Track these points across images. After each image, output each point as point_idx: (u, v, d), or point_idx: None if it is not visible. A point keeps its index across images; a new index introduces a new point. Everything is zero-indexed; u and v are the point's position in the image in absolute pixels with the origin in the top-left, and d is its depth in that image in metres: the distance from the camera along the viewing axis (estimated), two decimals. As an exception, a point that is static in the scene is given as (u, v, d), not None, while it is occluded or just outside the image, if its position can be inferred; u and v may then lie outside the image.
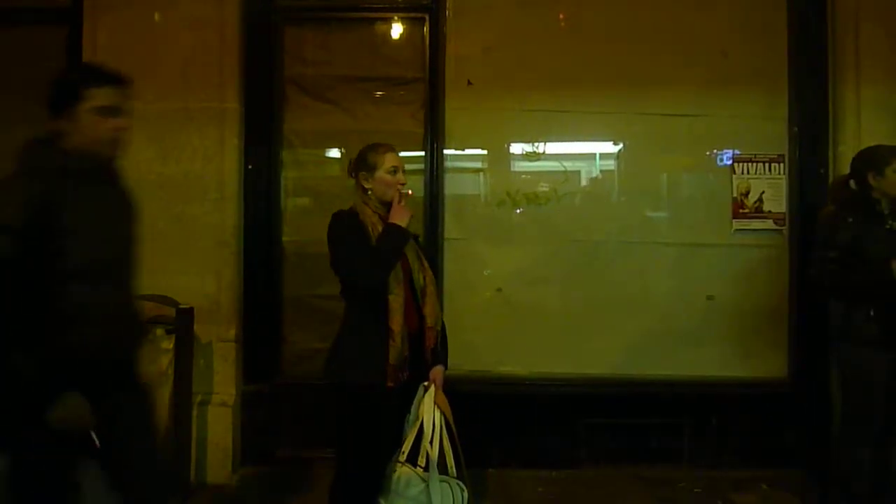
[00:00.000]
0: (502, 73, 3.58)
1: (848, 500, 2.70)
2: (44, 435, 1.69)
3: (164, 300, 3.18)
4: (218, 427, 3.38)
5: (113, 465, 1.88)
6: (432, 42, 3.59)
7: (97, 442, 1.79)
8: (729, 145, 3.58)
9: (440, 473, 2.29)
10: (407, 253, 2.33)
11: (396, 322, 2.20)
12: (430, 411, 2.32)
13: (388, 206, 2.32)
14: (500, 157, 3.66)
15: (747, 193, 3.56)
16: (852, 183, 2.77)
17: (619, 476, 3.38)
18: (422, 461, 2.29)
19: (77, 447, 1.77)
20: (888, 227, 2.63)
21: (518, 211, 3.62)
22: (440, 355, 2.42)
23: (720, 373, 3.53)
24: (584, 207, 3.65)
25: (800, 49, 3.55)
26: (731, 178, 3.57)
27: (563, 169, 3.63)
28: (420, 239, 2.63)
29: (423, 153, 3.58)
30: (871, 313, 2.61)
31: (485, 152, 3.70)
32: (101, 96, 1.85)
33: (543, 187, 3.61)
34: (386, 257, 2.22)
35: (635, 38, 3.56)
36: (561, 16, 3.61)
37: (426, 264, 2.41)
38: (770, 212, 3.55)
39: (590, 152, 3.69)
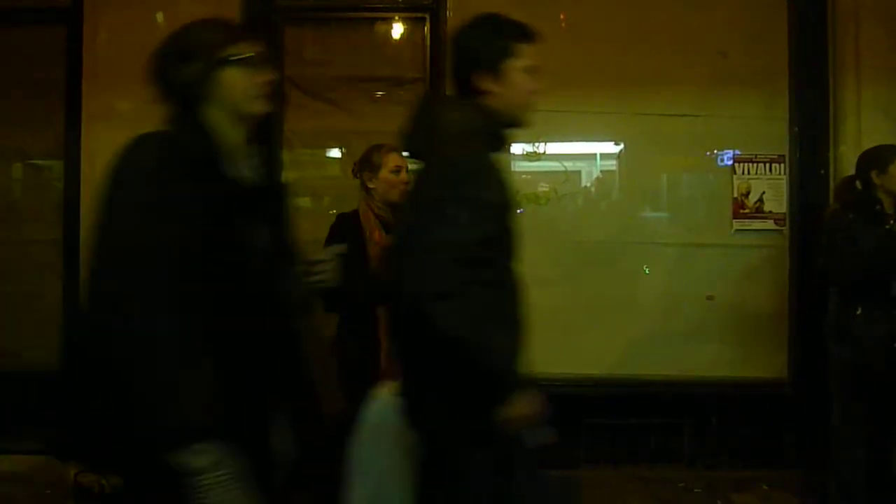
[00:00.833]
0: (502, 73, 3.57)
1: (847, 500, 2.70)
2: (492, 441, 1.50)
3: (165, 300, 3.18)
4: (218, 427, 3.37)
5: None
6: (432, 42, 3.58)
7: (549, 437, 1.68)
8: (729, 145, 3.58)
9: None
10: None
11: (384, 332, 2.19)
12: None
13: (392, 205, 2.34)
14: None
15: (748, 194, 3.56)
16: (858, 183, 2.77)
17: (618, 476, 3.38)
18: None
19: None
20: (888, 227, 2.63)
21: (518, 211, 3.60)
22: None
23: (720, 373, 3.52)
24: (585, 208, 3.65)
25: (800, 49, 3.54)
26: (732, 178, 3.57)
27: (563, 169, 3.63)
28: None
29: (423, 153, 3.58)
30: (859, 312, 2.62)
31: (485, 152, 3.69)
32: (529, 54, 1.60)
33: (543, 187, 3.61)
34: None
35: (635, 38, 3.55)
36: (561, 16, 3.61)
37: None
38: (770, 212, 3.55)
39: (590, 152, 3.69)
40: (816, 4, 3.53)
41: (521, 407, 1.50)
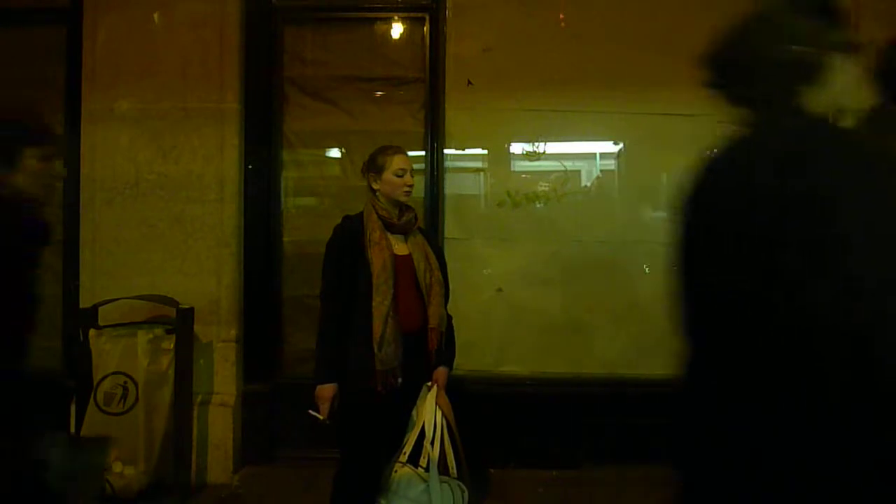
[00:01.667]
0: (502, 73, 3.58)
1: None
2: None
3: (165, 300, 3.19)
4: (218, 427, 3.38)
5: None
6: (432, 42, 3.59)
7: None
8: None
9: (441, 474, 2.30)
10: (413, 252, 2.36)
11: (378, 328, 2.22)
12: (431, 412, 2.33)
13: (398, 206, 2.38)
14: (500, 157, 3.66)
15: (747, 193, 3.55)
16: None
17: (619, 476, 3.38)
18: (423, 462, 2.29)
19: None
20: None
21: (518, 211, 3.62)
22: (444, 356, 2.44)
23: (720, 372, 3.52)
24: (585, 207, 3.65)
25: (800, 48, 3.54)
26: (732, 177, 3.56)
27: (563, 169, 3.63)
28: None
29: (423, 153, 3.58)
30: None
31: (485, 152, 3.70)
32: None
33: (543, 187, 3.61)
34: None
35: (635, 37, 3.56)
36: (561, 16, 3.61)
37: (434, 264, 2.43)
38: (770, 211, 3.55)
39: (590, 152, 3.69)
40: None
41: None
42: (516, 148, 3.64)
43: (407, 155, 2.43)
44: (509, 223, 3.62)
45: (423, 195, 3.55)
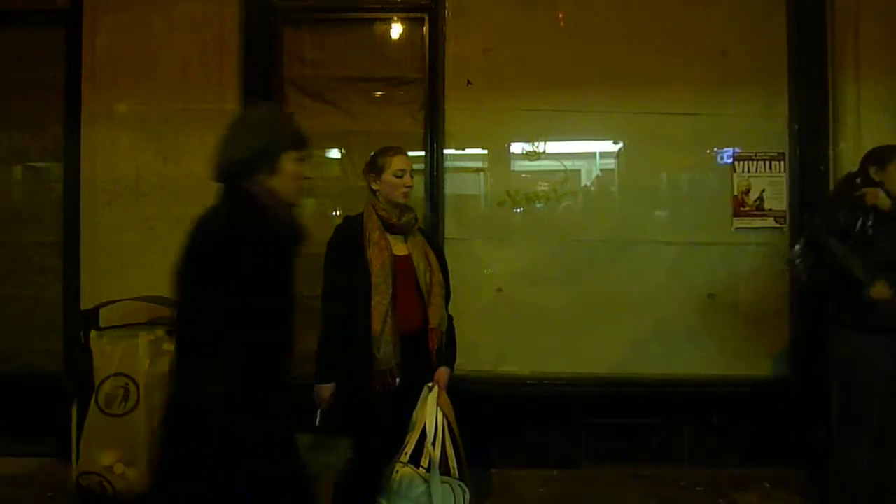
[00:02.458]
0: (502, 72, 3.58)
1: (846, 499, 2.69)
2: None
3: (165, 301, 3.18)
4: (219, 428, 3.37)
5: None
6: (432, 42, 3.59)
7: None
8: (729, 143, 3.58)
9: (442, 474, 2.30)
10: (412, 253, 2.37)
11: (376, 328, 2.23)
12: (432, 412, 2.33)
13: (397, 206, 2.39)
14: (500, 157, 3.66)
15: (748, 191, 3.56)
16: (858, 179, 2.77)
17: (620, 475, 3.38)
18: (424, 462, 2.29)
19: None
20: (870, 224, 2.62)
21: (518, 210, 3.62)
22: (445, 356, 2.44)
23: (721, 371, 3.52)
24: (585, 207, 3.65)
25: (799, 47, 3.55)
26: (732, 176, 3.57)
27: (563, 168, 3.63)
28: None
29: (423, 153, 3.58)
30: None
31: (485, 152, 3.70)
32: None
33: (543, 187, 3.61)
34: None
35: (635, 37, 3.56)
36: (560, 16, 3.61)
37: (435, 264, 2.44)
38: (771, 210, 3.55)
39: (590, 151, 3.69)
40: (816, 2, 3.53)
41: None
42: (516, 148, 3.64)
43: (407, 156, 2.44)
44: (509, 223, 3.62)
45: (423, 195, 3.54)
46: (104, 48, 3.47)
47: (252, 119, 1.84)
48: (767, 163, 3.56)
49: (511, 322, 3.59)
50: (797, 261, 2.75)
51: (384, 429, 2.32)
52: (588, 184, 3.68)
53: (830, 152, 3.49)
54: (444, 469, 2.32)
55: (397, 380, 2.28)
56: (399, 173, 2.37)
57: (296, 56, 3.66)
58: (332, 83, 3.64)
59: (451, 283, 2.55)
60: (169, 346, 3.08)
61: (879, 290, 2.56)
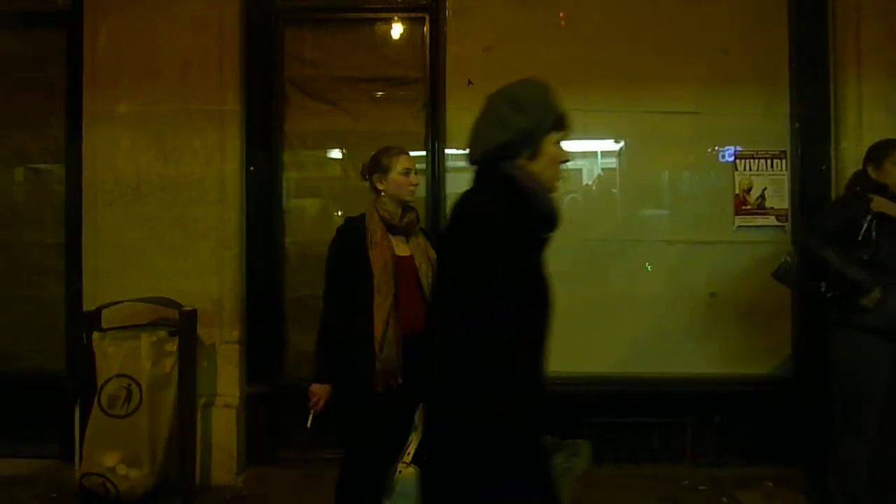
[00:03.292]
0: (502, 72, 3.52)
1: (848, 498, 2.69)
2: None
3: (167, 302, 3.19)
4: (222, 429, 3.38)
5: None
6: (432, 42, 3.59)
7: None
8: (731, 142, 3.57)
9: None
10: (414, 253, 2.38)
11: (378, 328, 2.24)
12: (435, 411, 2.34)
13: (401, 206, 2.41)
14: (501, 157, 3.65)
15: (749, 190, 3.56)
16: (858, 188, 2.79)
17: (621, 475, 3.38)
18: (426, 462, 2.30)
19: None
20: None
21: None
22: None
23: (723, 370, 3.52)
24: (586, 206, 3.65)
25: (801, 45, 3.54)
26: (734, 174, 3.56)
27: (564, 168, 3.62)
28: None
29: (424, 153, 3.58)
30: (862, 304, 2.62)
31: (486, 152, 3.69)
32: None
33: (544, 186, 3.60)
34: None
35: (636, 36, 3.55)
36: (561, 15, 3.60)
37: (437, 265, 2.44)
38: (772, 208, 3.55)
39: (591, 151, 3.68)
40: (816, 1, 3.53)
41: None
42: (517, 147, 3.63)
43: (410, 155, 2.47)
44: (511, 222, 3.61)
45: (424, 195, 3.54)
46: (105, 49, 3.47)
47: (515, 97, 1.66)
48: (769, 161, 3.56)
49: (513, 321, 3.59)
50: (784, 268, 2.82)
51: (386, 430, 2.32)
52: (589, 183, 3.68)
53: (832, 150, 3.49)
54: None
55: (399, 380, 2.28)
56: (405, 172, 2.40)
57: (296, 56, 3.66)
58: (332, 83, 3.63)
59: (452, 283, 2.56)
60: (171, 348, 3.09)
61: (877, 296, 2.59)
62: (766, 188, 3.56)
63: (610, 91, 3.54)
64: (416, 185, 2.44)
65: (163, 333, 3.09)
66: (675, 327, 3.56)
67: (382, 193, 2.41)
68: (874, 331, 2.61)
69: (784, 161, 3.56)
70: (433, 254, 2.47)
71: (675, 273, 3.58)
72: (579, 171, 3.66)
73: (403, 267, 2.35)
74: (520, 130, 1.58)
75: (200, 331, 3.29)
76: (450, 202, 3.60)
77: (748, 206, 3.55)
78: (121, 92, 3.46)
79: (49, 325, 3.64)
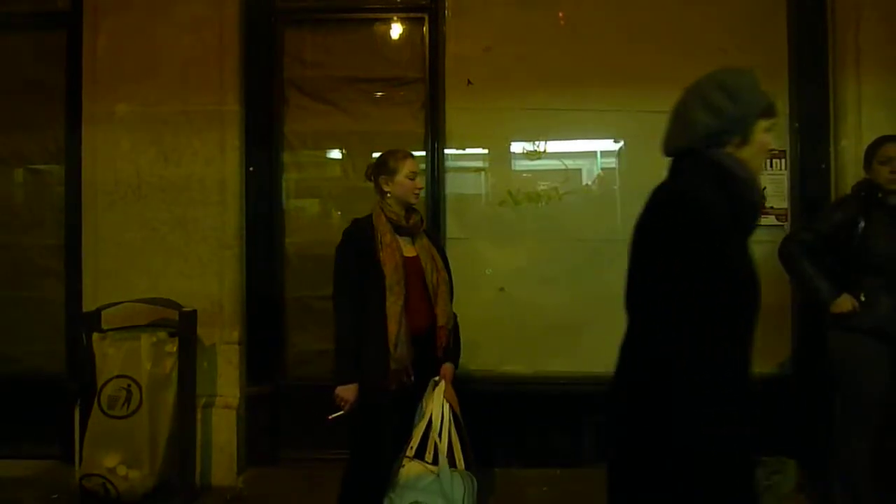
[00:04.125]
0: (502, 72, 3.58)
1: (849, 494, 2.69)
2: None
3: (167, 303, 3.19)
4: (222, 429, 3.38)
5: None
6: (432, 42, 3.59)
7: None
8: (730, 142, 3.57)
9: (449, 466, 2.32)
10: (420, 254, 2.41)
11: (392, 328, 2.28)
12: (438, 405, 2.38)
13: (406, 208, 2.45)
14: (500, 157, 3.66)
15: (749, 190, 3.55)
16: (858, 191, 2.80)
17: (623, 474, 3.37)
18: (429, 456, 2.33)
19: None
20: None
21: (519, 210, 3.62)
22: (451, 352, 2.50)
23: (723, 370, 3.52)
24: (586, 206, 3.65)
25: (800, 44, 3.54)
26: (733, 174, 3.56)
27: (564, 167, 3.63)
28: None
29: (423, 153, 3.58)
30: (863, 298, 2.62)
31: (485, 151, 3.70)
32: None
33: (544, 186, 3.61)
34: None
35: (635, 35, 3.56)
36: (561, 14, 3.61)
37: (440, 264, 2.51)
38: (772, 207, 3.55)
39: (591, 150, 3.69)
40: (815, 0, 3.53)
41: None
42: (517, 147, 3.64)
43: (415, 159, 2.50)
44: (511, 222, 3.62)
45: (424, 195, 3.54)
46: (105, 50, 3.47)
47: (725, 84, 1.60)
48: (768, 161, 3.56)
49: (513, 321, 3.59)
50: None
51: (394, 427, 2.36)
52: (589, 183, 3.68)
53: (832, 150, 3.49)
54: (451, 462, 2.35)
55: (412, 378, 2.32)
56: (411, 175, 2.43)
57: (296, 57, 3.66)
58: (332, 83, 3.64)
59: (453, 282, 2.59)
60: (171, 348, 3.09)
61: (841, 303, 2.63)
62: (765, 187, 3.55)
63: (609, 91, 3.54)
64: (420, 188, 2.49)
65: (163, 334, 3.09)
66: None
67: (388, 195, 2.43)
68: (869, 332, 2.61)
69: (783, 160, 3.56)
70: (437, 253, 2.52)
71: (676, 272, 3.58)
72: (579, 171, 3.66)
73: (411, 267, 2.39)
74: (732, 117, 1.54)
75: (200, 331, 3.29)
76: (450, 202, 3.61)
77: (748, 206, 3.55)
78: (121, 93, 3.46)
79: (49, 326, 3.64)
